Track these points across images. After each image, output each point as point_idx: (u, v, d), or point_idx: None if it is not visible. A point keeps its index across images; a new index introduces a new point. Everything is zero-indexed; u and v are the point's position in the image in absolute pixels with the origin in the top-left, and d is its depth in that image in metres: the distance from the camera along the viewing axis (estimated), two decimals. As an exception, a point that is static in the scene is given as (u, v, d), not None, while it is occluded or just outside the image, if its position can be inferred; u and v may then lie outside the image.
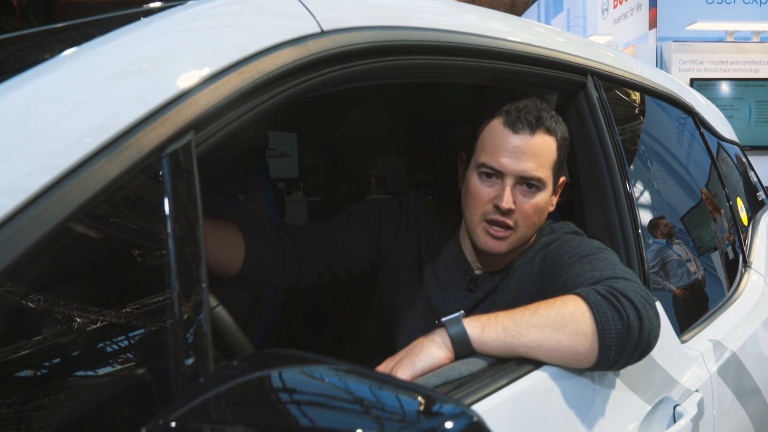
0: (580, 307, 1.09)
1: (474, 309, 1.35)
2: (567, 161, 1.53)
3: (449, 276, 1.41)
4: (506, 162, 1.27)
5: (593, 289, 1.12)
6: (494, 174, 1.29)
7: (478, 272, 1.40)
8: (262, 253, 1.34)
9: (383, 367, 1.11)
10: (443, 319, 1.12)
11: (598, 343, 1.07)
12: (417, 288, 1.43)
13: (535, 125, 1.28)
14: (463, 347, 1.10)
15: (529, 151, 1.28)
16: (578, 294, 1.11)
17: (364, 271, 1.48)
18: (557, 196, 1.40)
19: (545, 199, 1.32)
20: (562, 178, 1.39)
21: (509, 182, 1.28)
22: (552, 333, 1.07)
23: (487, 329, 1.10)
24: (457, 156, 1.41)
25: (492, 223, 1.29)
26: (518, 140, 1.28)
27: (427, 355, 1.09)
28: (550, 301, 1.11)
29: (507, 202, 1.26)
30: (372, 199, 1.48)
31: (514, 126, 1.28)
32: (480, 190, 1.30)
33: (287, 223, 1.46)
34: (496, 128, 1.30)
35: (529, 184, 1.29)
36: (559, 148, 1.33)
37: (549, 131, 1.31)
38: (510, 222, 1.28)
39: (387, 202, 1.50)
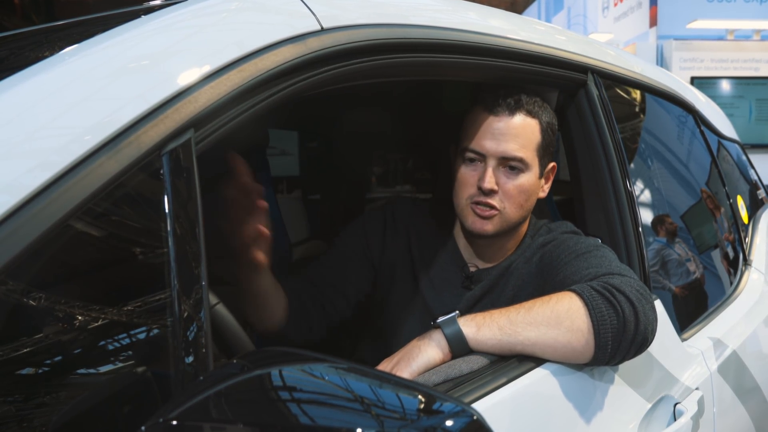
0: (575, 303, 1.09)
1: (472, 307, 1.35)
2: (567, 159, 1.54)
3: (445, 274, 1.41)
4: (487, 144, 1.30)
5: (588, 285, 1.12)
6: (477, 158, 1.31)
7: (473, 269, 1.40)
8: (297, 321, 1.39)
9: (380, 368, 1.11)
10: (438, 320, 1.13)
11: (594, 338, 1.07)
12: (412, 293, 1.43)
13: (513, 107, 1.31)
14: (459, 347, 1.10)
15: (510, 132, 1.30)
16: (573, 290, 1.12)
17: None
18: (548, 183, 1.40)
19: (531, 181, 1.32)
20: (552, 164, 1.39)
21: (491, 164, 1.30)
22: (548, 330, 1.08)
23: (483, 329, 1.10)
24: (450, 150, 1.42)
25: (478, 204, 1.31)
26: (498, 122, 1.30)
27: (423, 357, 1.10)
28: (545, 298, 1.12)
29: (488, 182, 1.29)
30: (356, 219, 1.50)
31: (493, 109, 1.31)
32: (465, 174, 1.33)
33: (310, 281, 1.46)
34: (477, 114, 1.33)
35: (511, 165, 1.30)
36: (544, 131, 1.34)
37: (530, 114, 1.32)
38: (494, 203, 1.30)
39: (370, 216, 1.51)
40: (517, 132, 1.30)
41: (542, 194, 1.39)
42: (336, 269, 1.45)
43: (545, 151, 1.35)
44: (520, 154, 1.30)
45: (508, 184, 1.30)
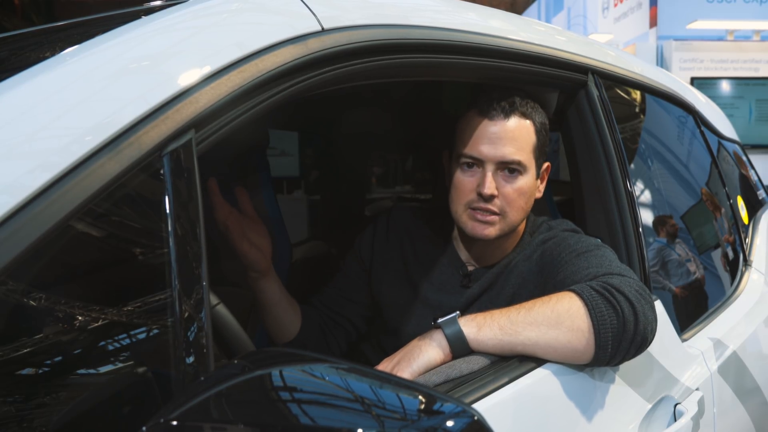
0: (575, 303, 1.10)
1: (470, 306, 1.36)
2: (567, 159, 1.54)
3: (443, 276, 1.42)
4: (485, 149, 1.29)
5: (588, 285, 1.12)
6: (475, 163, 1.31)
7: (471, 269, 1.40)
8: (313, 340, 1.48)
9: (381, 368, 1.11)
10: (439, 320, 1.13)
11: (594, 338, 1.08)
12: (409, 296, 1.43)
13: (508, 110, 1.30)
14: (460, 347, 1.10)
15: (506, 136, 1.29)
16: (573, 290, 1.12)
17: None
18: (544, 182, 1.40)
19: (529, 183, 1.32)
20: (546, 164, 1.40)
21: (490, 168, 1.29)
22: (548, 330, 1.08)
23: (483, 329, 1.11)
24: (443, 155, 1.42)
25: (477, 209, 1.30)
26: (494, 126, 1.30)
27: (424, 358, 1.10)
28: (546, 299, 1.12)
29: (488, 188, 1.28)
30: (354, 244, 1.55)
31: (488, 113, 1.31)
32: (462, 180, 1.32)
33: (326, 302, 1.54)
34: (472, 119, 1.33)
35: (510, 168, 1.30)
36: (538, 132, 1.34)
37: (524, 116, 1.32)
38: (494, 208, 1.30)
39: (362, 234, 1.54)
40: (513, 135, 1.30)
41: (538, 195, 1.39)
42: (339, 291, 1.52)
43: (540, 152, 1.35)
44: (517, 157, 1.29)
45: (507, 187, 1.30)
